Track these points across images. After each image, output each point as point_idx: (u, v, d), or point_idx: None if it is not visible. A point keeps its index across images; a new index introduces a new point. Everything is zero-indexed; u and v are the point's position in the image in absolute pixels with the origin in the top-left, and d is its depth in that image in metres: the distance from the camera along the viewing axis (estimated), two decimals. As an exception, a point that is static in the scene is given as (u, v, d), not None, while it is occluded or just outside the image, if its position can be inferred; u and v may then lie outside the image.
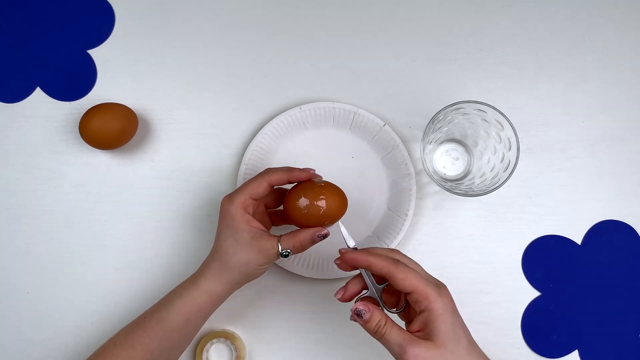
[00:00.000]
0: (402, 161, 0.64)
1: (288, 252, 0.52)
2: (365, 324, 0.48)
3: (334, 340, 0.63)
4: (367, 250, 0.50)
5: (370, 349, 0.63)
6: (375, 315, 0.47)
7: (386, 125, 0.64)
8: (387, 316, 0.48)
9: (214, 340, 0.62)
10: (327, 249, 0.61)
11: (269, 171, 0.54)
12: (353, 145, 0.66)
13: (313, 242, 0.53)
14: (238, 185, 0.64)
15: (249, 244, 0.52)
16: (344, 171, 0.65)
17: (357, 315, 0.48)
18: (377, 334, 0.47)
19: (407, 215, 0.63)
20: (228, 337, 0.62)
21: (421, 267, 0.50)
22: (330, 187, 0.55)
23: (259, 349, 0.63)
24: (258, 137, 0.65)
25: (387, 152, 0.65)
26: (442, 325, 0.46)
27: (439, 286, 0.48)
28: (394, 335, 0.46)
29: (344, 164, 0.65)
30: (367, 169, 0.65)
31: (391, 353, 0.47)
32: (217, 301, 0.55)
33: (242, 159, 0.64)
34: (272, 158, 0.66)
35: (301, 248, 0.53)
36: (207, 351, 0.62)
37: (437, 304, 0.46)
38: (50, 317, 0.64)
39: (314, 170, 0.55)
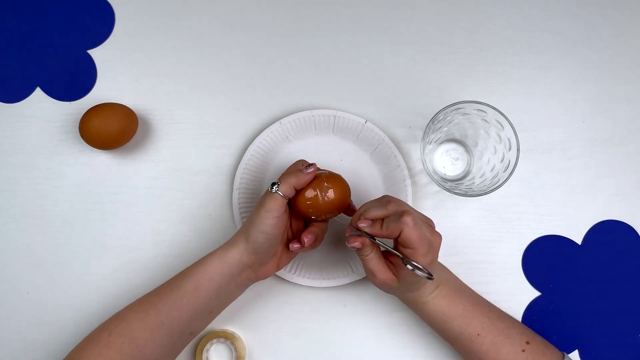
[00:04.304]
0: (390, 154, 0.64)
1: (276, 182, 0.53)
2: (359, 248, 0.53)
3: (334, 341, 0.63)
4: (371, 225, 0.52)
5: (370, 349, 0.63)
6: (366, 244, 0.52)
7: (368, 122, 0.64)
8: (377, 246, 0.53)
9: (214, 341, 0.62)
10: (329, 256, 0.63)
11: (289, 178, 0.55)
12: (339, 148, 0.66)
13: (299, 178, 0.54)
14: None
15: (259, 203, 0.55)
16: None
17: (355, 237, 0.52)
18: (361, 255, 0.53)
19: None
20: (228, 337, 0.62)
21: (414, 211, 0.53)
22: (334, 177, 0.56)
23: (259, 349, 0.63)
24: (244, 160, 0.64)
25: (374, 148, 0.65)
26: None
27: (431, 243, 0.51)
28: (373, 262, 0.52)
29: (334, 168, 0.64)
30: (358, 168, 0.65)
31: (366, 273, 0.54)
32: (229, 270, 0.55)
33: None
34: (263, 178, 0.65)
35: (289, 185, 0.53)
36: (207, 351, 0.62)
37: (419, 260, 0.50)
38: (50, 317, 0.64)
39: (315, 165, 0.55)
